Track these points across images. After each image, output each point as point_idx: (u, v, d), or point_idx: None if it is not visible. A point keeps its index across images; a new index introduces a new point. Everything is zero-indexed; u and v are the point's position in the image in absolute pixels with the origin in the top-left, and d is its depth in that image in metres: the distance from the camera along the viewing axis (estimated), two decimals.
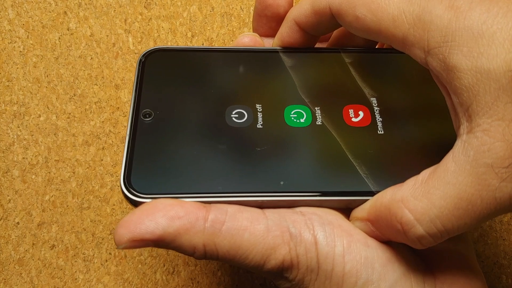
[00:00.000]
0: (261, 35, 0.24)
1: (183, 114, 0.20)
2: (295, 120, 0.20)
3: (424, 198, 0.15)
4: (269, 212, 0.18)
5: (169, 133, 0.20)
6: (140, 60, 0.22)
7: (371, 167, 0.19)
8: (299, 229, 0.17)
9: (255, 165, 0.19)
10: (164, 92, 0.21)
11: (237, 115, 0.20)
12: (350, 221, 0.19)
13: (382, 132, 0.20)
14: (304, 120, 0.20)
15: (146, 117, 0.20)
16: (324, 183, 0.18)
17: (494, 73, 0.14)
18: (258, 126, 0.20)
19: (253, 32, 0.24)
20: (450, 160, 0.15)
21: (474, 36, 0.15)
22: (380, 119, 0.21)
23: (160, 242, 0.16)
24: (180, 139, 0.19)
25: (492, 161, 0.14)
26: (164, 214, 0.16)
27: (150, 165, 0.18)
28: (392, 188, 0.17)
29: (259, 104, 0.21)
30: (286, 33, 0.22)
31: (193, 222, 0.16)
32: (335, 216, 0.18)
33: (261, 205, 0.18)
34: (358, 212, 0.18)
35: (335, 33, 0.24)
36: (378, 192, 0.18)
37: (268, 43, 0.24)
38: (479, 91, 0.14)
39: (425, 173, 0.16)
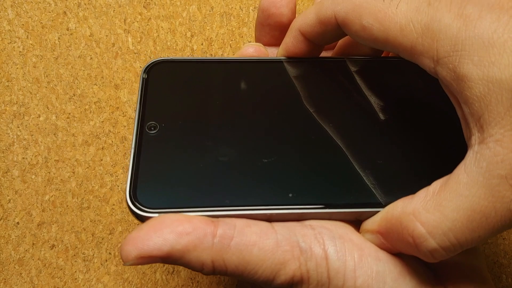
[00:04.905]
0: (264, 44, 0.24)
1: (189, 126, 0.20)
2: (299, 131, 0.20)
3: (436, 210, 0.15)
4: (278, 226, 0.17)
5: (175, 146, 0.19)
6: (144, 71, 0.22)
7: (379, 178, 0.19)
8: (309, 243, 0.17)
9: (262, 177, 0.18)
10: (169, 104, 0.21)
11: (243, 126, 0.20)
12: (360, 233, 0.18)
13: (390, 142, 0.20)
14: (310, 131, 0.20)
15: (151, 130, 0.20)
16: (333, 195, 0.18)
17: (507, 82, 0.14)
18: (264, 137, 0.20)
19: (256, 41, 0.24)
20: (462, 172, 0.15)
21: (484, 45, 0.14)
22: (387, 128, 0.20)
23: (168, 259, 0.16)
24: (186, 151, 0.19)
25: (506, 172, 0.14)
26: (172, 230, 0.16)
27: (156, 179, 0.18)
28: (403, 200, 0.17)
29: (263, 114, 0.21)
30: (291, 43, 0.22)
31: (201, 238, 0.16)
32: (346, 229, 0.18)
33: (269, 219, 0.18)
34: (369, 224, 0.18)
35: (341, 42, 0.23)
36: (388, 203, 0.17)
37: (272, 52, 0.24)
38: (491, 101, 0.14)
39: (436, 184, 0.16)
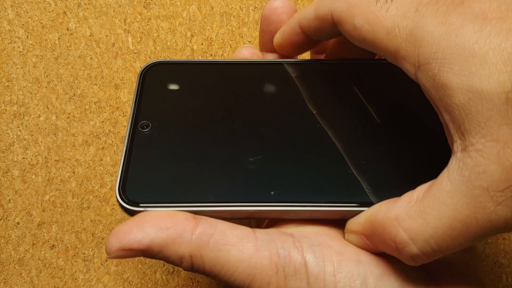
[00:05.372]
0: (268, 50, 0.24)
1: (180, 126, 0.21)
2: (291, 129, 0.21)
3: (419, 217, 0.15)
4: (260, 232, 0.18)
5: (165, 144, 0.20)
6: (141, 72, 0.23)
7: (365, 177, 0.19)
8: (288, 250, 0.17)
9: (246, 175, 0.19)
10: (163, 104, 0.21)
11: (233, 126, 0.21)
12: (345, 232, 0.18)
13: (379, 143, 0.20)
14: (297, 131, 0.21)
15: (144, 128, 0.20)
16: (316, 193, 0.18)
17: (487, 93, 0.14)
18: (251, 137, 0.20)
19: (260, 46, 0.25)
20: (446, 179, 0.15)
21: (465, 55, 0.14)
22: (377, 129, 0.20)
23: (147, 252, 0.17)
24: (175, 150, 0.20)
25: (487, 184, 0.14)
26: (153, 225, 0.17)
27: (145, 175, 0.19)
28: (387, 203, 0.17)
29: (252, 114, 0.21)
30: (288, 32, 0.22)
31: (180, 233, 0.17)
32: (325, 238, 0.18)
33: (251, 216, 0.18)
34: (353, 225, 0.18)
35: (335, 42, 0.24)
36: (372, 203, 0.18)
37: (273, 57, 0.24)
38: (471, 110, 0.14)
39: (421, 189, 0.16)
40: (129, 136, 0.20)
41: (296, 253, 0.17)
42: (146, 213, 0.17)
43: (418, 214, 0.15)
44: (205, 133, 0.20)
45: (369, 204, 0.18)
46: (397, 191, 0.17)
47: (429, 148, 0.20)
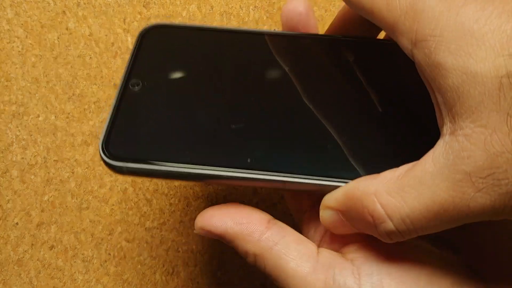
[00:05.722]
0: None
1: (170, 87, 0.21)
2: (278, 97, 0.21)
3: (397, 195, 0.15)
4: (323, 254, 0.18)
5: (152, 104, 0.21)
6: (141, 33, 0.23)
7: (348, 153, 0.19)
8: (345, 277, 0.17)
9: (226, 141, 0.19)
10: (158, 66, 0.22)
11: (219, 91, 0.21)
12: (320, 209, 0.18)
13: (366, 121, 0.20)
14: (286, 102, 0.21)
15: (134, 86, 0.21)
16: (293, 164, 0.19)
17: (481, 76, 0.13)
18: (237, 105, 0.21)
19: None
20: (430, 161, 0.15)
21: (464, 34, 0.14)
22: (366, 106, 0.20)
23: (222, 239, 0.19)
24: (161, 110, 0.20)
25: (470, 169, 0.14)
26: (231, 217, 0.19)
27: (129, 132, 0.20)
28: (366, 179, 0.17)
29: (243, 84, 0.21)
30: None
31: (250, 232, 0.18)
32: (386, 265, 0.18)
33: (226, 183, 0.19)
34: (330, 200, 0.18)
35: (338, 17, 0.23)
36: (351, 179, 0.18)
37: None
38: (463, 93, 0.14)
39: (403, 168, 0.16)
40: (119, 93, 0.21)
41: (352, 282, 0.17)
42: (231, 204, 0.19)
43: (397, 191, 0.15)
44: (193, 97, 0.21)
45: (348, 180, 0.18)
46: (379, 170, 0.17)
47: (418, 129, 0.19)
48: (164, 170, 0.18)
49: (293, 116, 0.20)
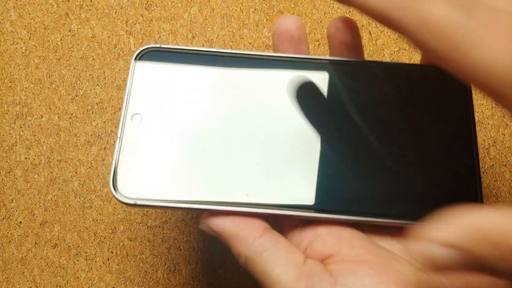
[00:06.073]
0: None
1: (170, 118, 0.21)
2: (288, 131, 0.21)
3: None
4: (308, 264, 0.19)
5: (156, 137, 0.21)
6: (134, 58, 0.22)
7: (398, 187, 0.20)
8: (323, 287, 0.18)
9: (223, 174, 0.20)
10: (157, 95, 0.22)
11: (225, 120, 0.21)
12: (419, 245, 0.15)
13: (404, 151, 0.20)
14: (299, 134, 0.21)
15: (135, 121, 0.21)
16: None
17: None
18: (245, 137, 0.21)
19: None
20: None
21: None
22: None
23: (219, 237, 0.20)
24: (165, 143, 0.21)
25: None
26: (232, 219, 0.20)
27: (134, 169, 0.20)
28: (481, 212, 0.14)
29: (249, 113, 0.21)
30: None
31: (244, 235, 0.19)
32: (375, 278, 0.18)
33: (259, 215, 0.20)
34: (446, 235, 0.14)
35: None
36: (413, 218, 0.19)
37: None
38: None
39: None
40: (121, 129, 0.21)
41: None
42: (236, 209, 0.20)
43: None
44: (195, 128, 0.21)
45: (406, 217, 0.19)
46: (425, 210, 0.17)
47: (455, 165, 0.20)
48: (176, 207, 0.20)
49: (309, 148, 0.20)
